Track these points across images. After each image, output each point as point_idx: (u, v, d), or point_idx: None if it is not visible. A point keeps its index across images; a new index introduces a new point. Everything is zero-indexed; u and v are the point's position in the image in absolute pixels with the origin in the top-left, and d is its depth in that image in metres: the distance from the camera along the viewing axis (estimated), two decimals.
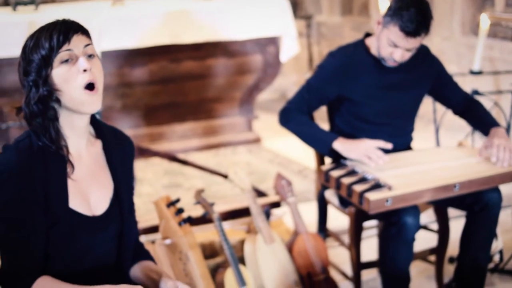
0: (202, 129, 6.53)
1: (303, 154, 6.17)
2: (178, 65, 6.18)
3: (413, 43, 3.49)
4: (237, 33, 6.20)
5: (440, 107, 5.27)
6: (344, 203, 3.76)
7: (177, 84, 6.28)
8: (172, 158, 5.42)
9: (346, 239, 4.01)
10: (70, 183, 2.23)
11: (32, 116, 2.19)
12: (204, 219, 3.61)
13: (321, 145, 3.66)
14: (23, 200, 2.14)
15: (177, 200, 3.23)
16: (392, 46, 3.51)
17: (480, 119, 3.82)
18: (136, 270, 2.46)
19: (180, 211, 3.19)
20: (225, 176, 4.62)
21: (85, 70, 2.17)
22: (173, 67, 6.17)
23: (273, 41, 6.48)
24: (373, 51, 3.67)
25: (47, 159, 2.19)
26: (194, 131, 6.48)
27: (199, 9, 6.11)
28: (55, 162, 2.20)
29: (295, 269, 3.65)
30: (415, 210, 3.43)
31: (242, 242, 3.81)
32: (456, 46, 6.68)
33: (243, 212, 4.10)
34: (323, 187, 3.96)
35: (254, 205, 3.62)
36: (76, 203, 2.24)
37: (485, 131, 3.72)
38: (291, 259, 3.65)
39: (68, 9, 6.18)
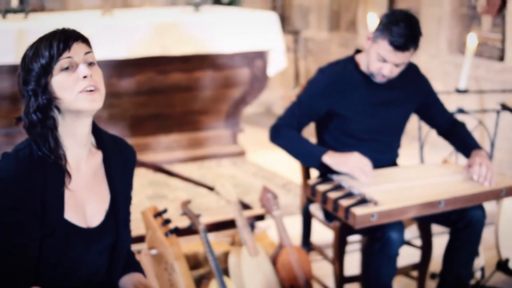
0: (187, 141, 6.55)
1: (287, 168, 6.22)
2: (166, 77, 6.21)
3: (402, 58, 3.52)
4: (225, 47, 6.24)
5: (425, 125, 5.34)
6: (329, 217, 3.78)
7: (164, 96, 6.30)
8: (159, 169, 5.43)
9: (329, 253, 4.03)
10: (67, 194, 2.22)
11: (31, 125, 2.18)
12: (188, 230, 3.62)
13: (311, 159, 3.68)
14: (21, 208, 2.13)
15: (164, 211, 3.24)
16: (381, 61, 3.54)
17: (463, 142, 3.85)
18: (126, 282, 2.44)
19: (167, 221, 3.21)
20: (212, 188, 4.65)
21: (85, 77, 2.17)
22: (161, 79, 6.19)
23: (261, 55, 6.51)
24: (363, 67, 3.70)
25: (46, 168, 2.18)
26: (179, 143, 6.49)
27: (188, 22, 6.14)
28: (53, 172, 2.19)
29: (279, 281, 3.67)
30: (399, 226, 3.45)
31: (226, 254, 3.83)
32: (443, 64, 6.74)
33: (228, 224, 4.12)
34: (308, 201, 3.98)
35: (239, 217, 3.64)
36: (71, 214, 2.23)
37: (467, 153, 3.75)
38: (275, 272, 3.66)
39: (58, 18, 6.20)
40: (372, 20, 5.17)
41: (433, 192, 3.45)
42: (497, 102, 4.68)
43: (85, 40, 2.23)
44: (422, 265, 4.03)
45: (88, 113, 2.23)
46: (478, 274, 4.23)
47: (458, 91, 5.00)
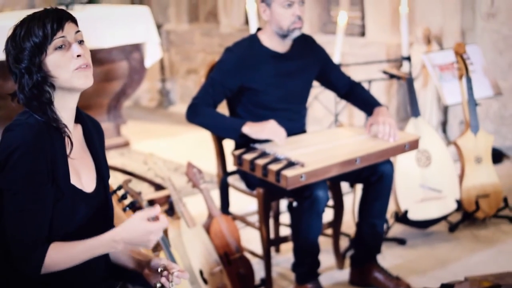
0: None
1: (173, 154, 6.49)
2: None
3: None
4: (103, 41, 6.37)
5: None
6: (251, 186, 4.07)
7: None
8: None
9: (250, 220, 4.33)
10: (68, 160, 2.36)
11: (28, 100, 2.30)
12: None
13: (231, 132, 3.92)
14: (39, 173, 2.24)
15: (119, 187, 3.41)
16: (288, 7, 3.86)
17: (363, 101, 4.22)
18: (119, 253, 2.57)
19: (123, 197, 3.37)
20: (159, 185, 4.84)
21: (79, 56, 2.32)
22: None
23: (138, 48, 6.71)
24: (266, 43, 4.00)
25: (52, 135, 2.30)
26: None
27: None
28: (57, 138, 2.32)
29: (215, 249, 3.90)
30: (324, 184, 3.78)
31: None
32: None
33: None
34: (225, 174, 4.25)
35: (174, 192, 3.85)
36: (73, 179, 2.37)
37: (369, 111, 4.12)
38: (211, 240, 3.89)
39: None
40: (251, 4, 5.42)
41: (348, 152, 3.80)
42: (378, 70, 5.10)
43: (74, 20, 2.38)
44: (336, 223, 4.36)
45: (82, 89, 2.37)
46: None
47: None
